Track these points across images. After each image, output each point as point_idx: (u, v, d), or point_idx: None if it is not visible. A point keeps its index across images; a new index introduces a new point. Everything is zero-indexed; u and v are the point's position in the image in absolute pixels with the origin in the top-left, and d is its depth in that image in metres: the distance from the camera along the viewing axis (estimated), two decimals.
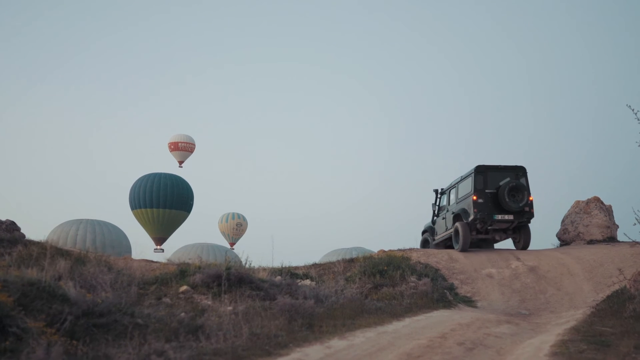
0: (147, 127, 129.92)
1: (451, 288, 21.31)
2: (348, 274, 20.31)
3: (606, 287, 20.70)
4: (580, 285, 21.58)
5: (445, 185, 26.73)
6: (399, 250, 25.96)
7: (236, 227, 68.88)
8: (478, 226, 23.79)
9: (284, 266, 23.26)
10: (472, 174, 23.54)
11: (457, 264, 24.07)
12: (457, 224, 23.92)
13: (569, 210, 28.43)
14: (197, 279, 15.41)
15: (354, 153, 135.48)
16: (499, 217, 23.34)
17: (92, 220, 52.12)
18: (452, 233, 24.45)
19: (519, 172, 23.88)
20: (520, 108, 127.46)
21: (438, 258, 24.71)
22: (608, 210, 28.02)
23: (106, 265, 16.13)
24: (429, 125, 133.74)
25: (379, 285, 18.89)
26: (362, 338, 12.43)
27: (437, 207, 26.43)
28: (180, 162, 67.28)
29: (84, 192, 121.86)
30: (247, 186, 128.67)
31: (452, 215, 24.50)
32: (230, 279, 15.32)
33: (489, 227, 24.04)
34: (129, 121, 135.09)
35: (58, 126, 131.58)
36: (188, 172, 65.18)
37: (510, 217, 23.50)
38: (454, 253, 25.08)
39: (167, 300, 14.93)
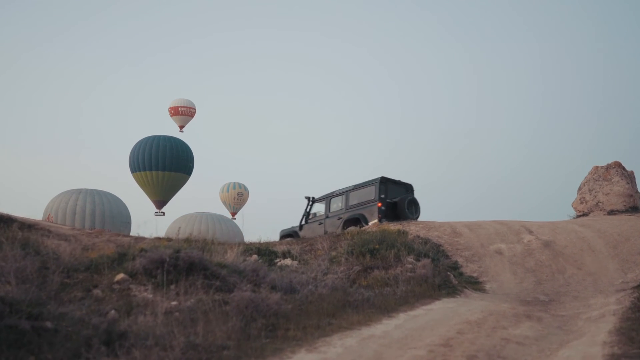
0: (148, 92, 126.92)
1: (455, 267, 18.25)
2: (333, 252, 16.82)
3: (635, 265, 17.64)
4: (604, 263, 18.44)
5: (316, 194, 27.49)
6: (399, 222, 22.65)
7: (237, 197, 67.63)
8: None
9: (262, 242, 20.29)
10: (377, 184, 24.84)
11: (461, 238, 20.86)
12: (353, 228, 23.91)
13: (586, 177, 25.24)
14: (138, 265, 11.95)
15: (364, 120, 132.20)
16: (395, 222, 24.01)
17: (92, 190, 51.15)
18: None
19: (409, 187, 26.18)
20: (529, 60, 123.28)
21: (440, 232, 21.51)
22: (630, 177, 24.69)
23: (22, 246, 12.69)
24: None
25: (369, 267, 15.52)
26: (339, 348, 9.02)
27: (307, 213, 27.17)
28: (181, 127, 65.68)
29: (85, 156, 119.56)
30: (249, 154, 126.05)
31: (343, 221, 25.29)
32: (178, 265, 11.85)
33: None
34: (129, 85, 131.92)
35: (58, 87, 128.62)
36: (189, 137, 63.08)
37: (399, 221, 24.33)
38: (458, 226, 21.96)
39: (97, 292, 11.56)
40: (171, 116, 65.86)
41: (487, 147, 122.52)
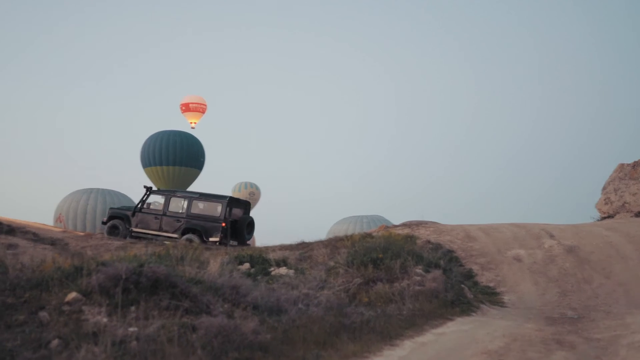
0: (160, 88, 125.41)
1: (469, 276, 16.40)
2: (332, 262, 14.70)
3: None
4: (635, 271, 16.81)
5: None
6: (405, 225, 20.61)
7: (249, 197, 65.70)
8: (212, 244, 24.52)
9: (254, 248, 18.41)
10: (225, 202, 25.27)
11: (475, 243, 18.89)
12: (193, 236, 24.82)
13: (611, 176, 23.37)
14: (94, 282, 9.83)
15: (380, 114, 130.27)
16: (232, 242, 25.08)
17: (102, 189, 50.99)
18: (180, 239, 24.66)
19: (247, 206, 27.27)
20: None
21: (452, 236, 19.51)
22: None
23: None
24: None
25: (371, 279, 13.34)
26: None
27: (143, 202, 26.63)
28: (193, 123, 64.40)
29: (98, 154, 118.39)
30: (261, 152, 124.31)
31: (184, 227, 25.35)
32: (140, 282, 9.78)
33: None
34: (140, 81, 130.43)
35: (66, 82, 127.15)
36: (201, 133, 61.91)
37: (236, 242, 25.40)
38: (472, 229, 19.94)
39: (43, 315, 9.46)
40: (182, 112, 64.80)
41: (501, 144, 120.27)
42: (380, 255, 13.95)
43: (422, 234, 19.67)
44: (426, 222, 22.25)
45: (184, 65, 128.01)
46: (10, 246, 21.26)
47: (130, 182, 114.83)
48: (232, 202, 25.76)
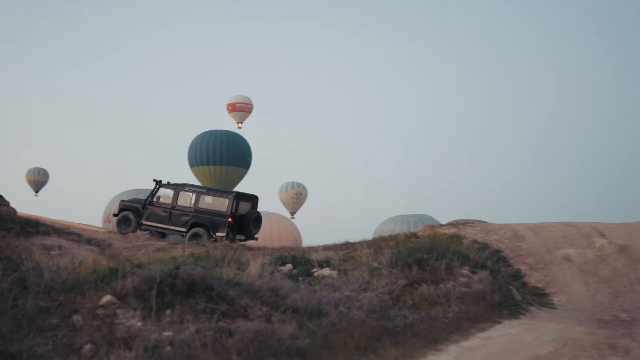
0: (207, 88, 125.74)
1: (518, 276, 15.91)
2: (375, 263, 14.27)
3: None
4: None
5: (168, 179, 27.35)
6: (452, 224, 20.11)
7: (296, 197, 66.21)
8: (219, 239, 24.95)
9: (298, 248, 18.02)
10: (231, 198, 25.41)
11: (524, 242, 18.35)
12: (201, 230, 25.19)
13: None
14: (129, 285, 9.54)
15: (429, 112, 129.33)
16: (239, 236, 25.43)
17: (149, 190, 49.42)
18: (189, 233, 25.38)
19: (255, 200, 26.87)
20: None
21: (500, 235, 18.98)
22: None
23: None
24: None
25: (415, 281, 12.88)
26: None
27: (153, 195, 26.89)
28: (239, 123, 64.28)
29: (147, 153, 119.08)
30: (307, 152, 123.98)
31: (192, 221, 25.61)
32: (175, 285, 9.46)
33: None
34: (188, 81, 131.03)
35: (115, 82, 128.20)
36: (247, 133, 62.05)
37: (243, 237, 25.76)
38: (520, 228, 19.38)
39: (77, 318, 9.22)
40: (229, 112, 64.68)
41: (551, 141, 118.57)
42: (425, 256, 13.49)
43: (469, 233, 19.18)
44: (473, 221, 21.73)
45: (230, 64, 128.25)
46: (53, 247, 21.14)
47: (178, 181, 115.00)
48: (239, 197, 25.86)
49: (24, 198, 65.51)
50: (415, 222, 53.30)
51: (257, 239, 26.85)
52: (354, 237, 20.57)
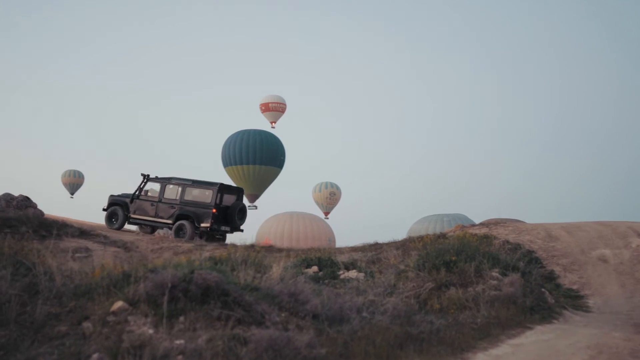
0: (240, 88, 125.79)
1: (551, 278, 15.31)
2: (402, 265, 13.73)
3: None
4: None
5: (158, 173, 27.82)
6: (483, 224, 19.52)
7: (329, 197, 65.66)
8: (204, 230, 25.87)
9: (324, 250, 17.54)
10: (215, 189, 25.91)
11: (557, 243, 17.71)
12: (185, 223, 25.68)
13: None
14: (141, 291, 9.08)
15: (464, 110, 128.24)
16: (224, 227, 26.17)
17: None
18: (174, 226, 25.93)
19: (240, 192, 27.71)
20: None
21: (532, 235, 18.35)
22: None
23: (13, 264, 10.20)
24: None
25: (444, 284, 12.32)
26: None
27: (140, 189, 27.28)
28: (273, 123, 64.36)
29: (179, 153, 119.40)
30: (341, 152, 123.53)
31: (177, 213, 26.11)
32: (189, 290, 9.00)
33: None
34: (222, 81, 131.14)
35: (152, 90, 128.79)
36: (281, 133, 62.20)
37: (228, 228, 26.50)
38: (554, 228, 18.72)
39: (87, 325, 8.78)
40: (262, 112, 64.71)
41: (587, 140, 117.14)
42: (454, 258, 12.92)
43: (501, 233, 18.58)
44: (505, 221, 21.12)
45: (263, 64, 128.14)
46: (80, 249, 20.88)
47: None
48: (223, 188, 26.28)
49: (60, 200, 65.71)
50: (449, 222, 52.55)
51: (242, 230, 27.44)
52: (388, 236, 20.06)
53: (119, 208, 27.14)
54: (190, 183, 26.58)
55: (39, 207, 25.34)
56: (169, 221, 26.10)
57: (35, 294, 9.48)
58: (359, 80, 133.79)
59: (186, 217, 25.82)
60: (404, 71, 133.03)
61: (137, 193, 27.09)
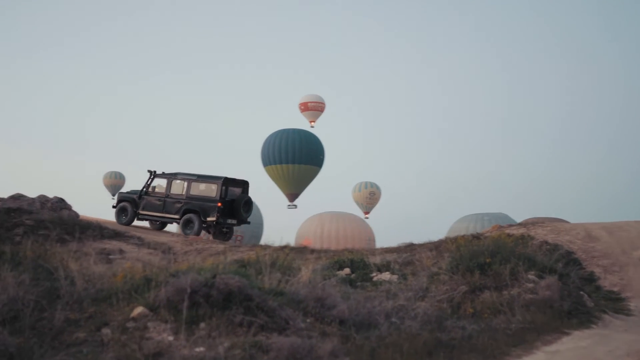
0: (279, 87, 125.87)
1: (590, 280, 14.71)
2: (434, 268, 13.27)
3: None
4: None
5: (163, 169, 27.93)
6: (521, 225, 19.00)
7: (369, 197, 64.54)
8: (211, 224, 26.27)
9: (357, 251, 17.17)
10: (220, 183, 26.06)
11: (597, 243, 17.15)
12: (193, 216, 25.99)
13: None
14: (162, 296, 8.78)
15: (506, 108, 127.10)
16: (230, 221, 26.41)
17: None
18: (182, 220, 26.29)
19: (245, 185, 27.46)
20: None
21: (571, 236, 17.79)
22: None
23: (33, 267, 9.98)
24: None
25: (478, 287, 11.84)
26: None
27: (148, 186, 27.57)
28: (312, 122, 63.80)
29: (219, 153, 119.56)
30: (381, 151, 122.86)
31: (184, 208, 26.41)
32: (211, 295, 8.68)
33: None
34: (260, 80, 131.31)
35: (191, 88, 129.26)
36: (320, 131, 62.14)
37: (235, 221, 26.71)
38: (594, 228, 18.16)
39: (106, 332, 8.52)
40: (301, 112, 64.17)
41: (629, 139, 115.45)
42: (488, 260, 12.44)
43: (539, 233, 18.05)
44: (543, 221, 20.58)
45: (302, 63, 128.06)
46: (114, 251, 20.72)
47: (251, 181, 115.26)
48: (227, 182, 26.47)
49: (103, 202, 65.95)
50: (489, 221, 51.63)
51: (249, 222, 28.12)
52: (429, 236, 19.56)
53: (128, 204, 27.45)
54: (195, 178, 26.82)
55: (77, 209, 25.25)
56: (176, 216, 26.42)
57: (56, 299, 9.24)
58: (400, 79, 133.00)
59: (193, 211, 26.09)
60: (444, 69, 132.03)
61: (144, 189, 27.41)
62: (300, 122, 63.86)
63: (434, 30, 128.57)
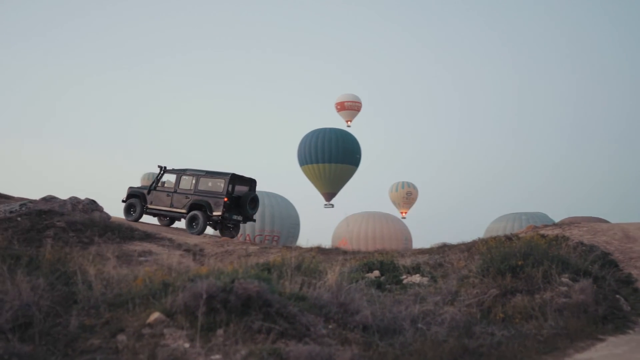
0: (315, 87, 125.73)
1: (628, 282, 14.10)
2: (464, 271, 12.82)
3: None
4: None
5: (173, 165, 28.30)
6: (556, 225, 18.45)
7: (406, 196, 65.12)
8: (216, 220, 26.69)
9: (387, 253, 16.78)
10: (227, 179, 26.44)
11: (636, 244, 16.64)
12: (198, 213, 26.27)
13: None
14: (179, 301, 8.46)
15: (548, 106, 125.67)
16: (235, 217, 26.88)
17: (261, 192, 50.88)
18: (187, 217, 26.62)
19: (253, 183, 27.83)
20: None
21: (608, 236, 17.22)
22: None
23: (52, 271, 9.73)
24: None
25: (509, 291, 11.35)
26: None
27: (157, 181, 28.17)
28: (348, 121, 64.50)
29: (255, 154, 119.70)
30: (418, 150, 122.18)
31: (190, 202, 26.82)
32: (229, 300, 8.34)
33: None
34: (296, 81, 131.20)
35: (225, 87, 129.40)
36: (357, 131, 62.38)
37: (240, 217, 27.17)
38: (632, 229, 17.58)
39: (122, 339, 8.22)
40: (338, 111, 64.78)
41: None
42: (520, 262, 11.95)
43: (575, 234, 17.49)
44: (580, 221, 20.01)
45: (338, 63, 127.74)
46: (143, 253, 20.50)
47: (288, 181, 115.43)
48: (235, 178, 26.81)
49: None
50: (527, 221, 51.01)
51: (255, 220, 29.12)
52: (466, 236, 19.12)
53: (137, 199, 27.87)
54: (203, 174, 27.14)
55: (109, 211, 25.15)
56: (183, 210, 26.78)
57: (73, 304, 8.98)
58: (435, 78, 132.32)
59: (199, 206, 26.44)
60: (481, 68, 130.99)
61: (154, 185, 27.88)
62: (337, 122, 63.81)
63: (472, 31, 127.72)
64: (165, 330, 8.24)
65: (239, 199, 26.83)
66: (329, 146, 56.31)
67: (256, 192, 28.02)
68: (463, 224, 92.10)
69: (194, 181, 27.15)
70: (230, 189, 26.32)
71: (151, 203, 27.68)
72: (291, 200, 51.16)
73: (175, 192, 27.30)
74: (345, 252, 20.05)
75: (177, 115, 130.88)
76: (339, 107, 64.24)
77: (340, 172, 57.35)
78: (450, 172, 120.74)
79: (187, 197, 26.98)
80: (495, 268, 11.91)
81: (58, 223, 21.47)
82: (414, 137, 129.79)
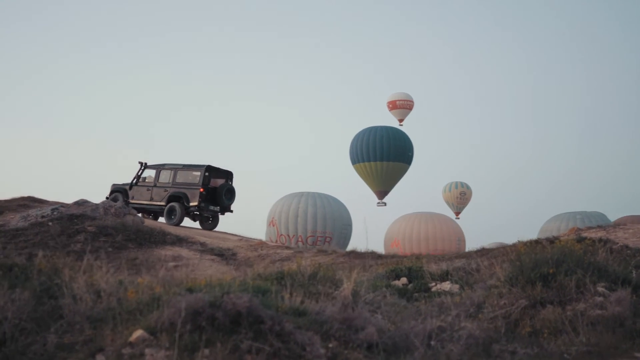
0: (367, 86, 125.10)
1: None
2: (491, 280, 11.73)
3: None
4: None
5: (151, 161, 29.66)
6: (600, 227, 17.27)
7: (460, 197, 65.07)
8: (194, 210, 28.19)
9: (413, 258, 15.89)
10: (202, 170, 27.97)
11: None
12: (175, 205, 27.80)
13: None
14: (164, 318, 7.60)
15: (607, 104, 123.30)
16: (212, 207, 28.39)
17: (313, 193, 50.35)
18: (166, 208, 28.01)
19: (229, 175, 29.43)
20: None
21: None
22: None
23: (40, 284, 9.01)
24: None
25: (539, 301, 10.24)
26: None
27: (138, 176, 29.51)
28: (400, 120, 64.60)
29: (306, 154, 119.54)
30: (471, 150, 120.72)
31: (168, 194, 28.24)
32: (216, 317, 7.47)
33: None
34: (348, 80, 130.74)
35: (277, 86, 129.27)
36: (409, 130, 62.33)
37: (218, 208, 28.62)
38: None
39: (100, 358, 7.41)
40: (390, 110, 64.75)
41: None
42: (552, 270, 10.78)
43: (620, 237, 16.30)
44: (625, 222, 18.79)
45: (390, 62, 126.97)
46: (173, 258, 19.96)
47: (340, 180, 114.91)
48: (210, 170, 28.37)
49: None
50: (582, 220, 49.50)
51: (232, 211, 29.44)
52: (520, 236, 17.96)
53: (120, 195, 29.24)
54: (181, 167, 28.67)
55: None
56: (162, 203, 28.27)
57: (60, 318, 8.21)
58: (488, 77, 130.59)
59: (177, 198, 27.97)
60: (534, 66, 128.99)
61: (134, 180, 29.48)
62: (389, 121, 63.30)
63: (526, 29, 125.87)
64: (146, 350, 7.39)
65: (215, 189, 28.33)
66: (381, 144, 56.12)
67: (232, 184, 29.37)
68: (518, 224, 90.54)
69: (172, 174, 28.59)
70: (206, 180, 27.85)
71: (133, 198, 29.20)
72: (344, 202, 50.80)
73: (154, 186, 28.92)
74: (381, 256, 19.18)
75: (226, 116, 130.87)
76: (390, 106, 64.30)
77: (392, 170, 57.15)
78: (505, 171, 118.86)
79: (165, 190, 28.45)
80: (525, 276, 10.78)
81: (89, 228, 21.18)
82: (467, 136, 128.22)
